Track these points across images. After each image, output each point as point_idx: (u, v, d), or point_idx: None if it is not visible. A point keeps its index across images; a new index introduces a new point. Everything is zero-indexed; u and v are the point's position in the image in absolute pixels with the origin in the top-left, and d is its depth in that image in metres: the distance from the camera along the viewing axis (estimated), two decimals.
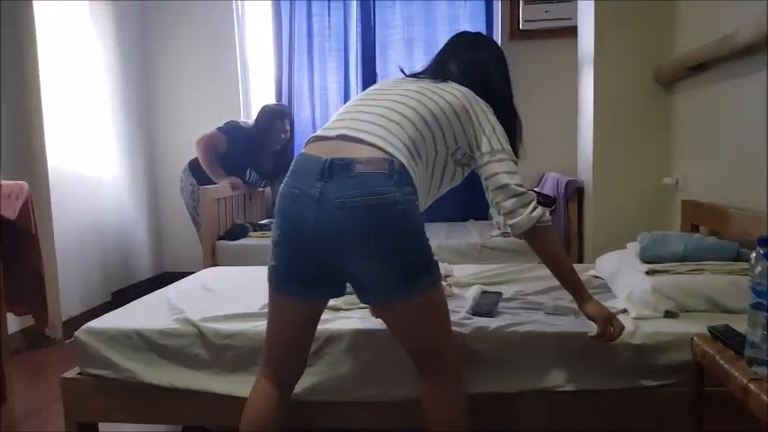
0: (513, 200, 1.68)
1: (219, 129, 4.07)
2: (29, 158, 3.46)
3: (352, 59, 4.63)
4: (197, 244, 4.29)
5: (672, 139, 3.07)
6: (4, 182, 2.68)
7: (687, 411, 1.61)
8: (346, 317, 1.96)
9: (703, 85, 2.73)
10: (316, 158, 1.49)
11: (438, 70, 1.84)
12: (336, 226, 1.43)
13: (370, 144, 1.51)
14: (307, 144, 1.61)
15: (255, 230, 4.07)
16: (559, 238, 3.58)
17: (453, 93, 1.72)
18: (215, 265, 3.68)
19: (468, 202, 4.58)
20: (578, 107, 3.56)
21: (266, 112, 4.16)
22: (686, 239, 2.12)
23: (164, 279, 4.74)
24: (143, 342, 1.90)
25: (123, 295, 4.24)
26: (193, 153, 4.14)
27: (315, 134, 1.63)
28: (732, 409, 1.54)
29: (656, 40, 3.07)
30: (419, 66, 4.14)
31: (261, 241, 3.87)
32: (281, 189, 1.56)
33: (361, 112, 1.63)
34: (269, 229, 4.00)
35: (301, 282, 1.55)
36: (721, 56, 2.38)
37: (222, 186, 3.93)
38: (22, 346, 3.36)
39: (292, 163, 1.58)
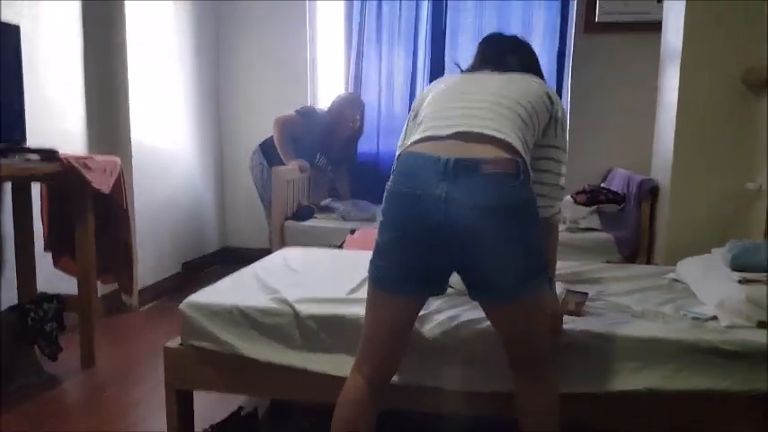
0: (558, 191, 1.79)
1: (297, 111, 4.20)
2: (116, 135, 3.63)
3: (420, 45, 4.63)
4: (259, 221, 4.42)
5: (756, 144, 3.02)
6: (99, 157, 2.80)
7: None
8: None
9: None
10: (434, 158, 1.50)
11: (507, 66, 1.82)
12: (467, 225, 1.46)
13: (492, 140, 1.52)
14: (414, 143, 1.60)
15: (321, 212, 4.17)
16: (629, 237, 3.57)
17: (535, 81, 1.76)
18: (284, 243, 3.79)
19: None
20: (658, 105, 3.52)
21: (340, 101, 4.27)
22: None
23: (228, 253, 4.90)
24: (243, 318, 1.98)
25: (192, 267, 4.41)
26: (260, 137, 4.26)
27: (424, 134, 1.61)
28: None
29: (747, 42, 3.01)
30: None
31: (327, 223, 3.98)
32: (391, 189, 1.57)
33: (468, 108, 1.63)
34: (333, 211, 4.11)
35: (416, 280, 1.58)
36: None
37: (291, 168, 4.02)
38: (99, 312, 3.51)
39: (400, 161, 1.60)
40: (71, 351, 2.83)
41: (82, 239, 2.77)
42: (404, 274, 1.57)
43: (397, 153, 1.77)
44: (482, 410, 1.91)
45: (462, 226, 1.46)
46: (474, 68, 1.87)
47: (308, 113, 4.22)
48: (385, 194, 1.59)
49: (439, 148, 1.53)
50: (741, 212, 3.05)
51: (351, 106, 4.26)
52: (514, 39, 1.94)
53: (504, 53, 1.86)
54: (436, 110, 1.69)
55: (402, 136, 1.85)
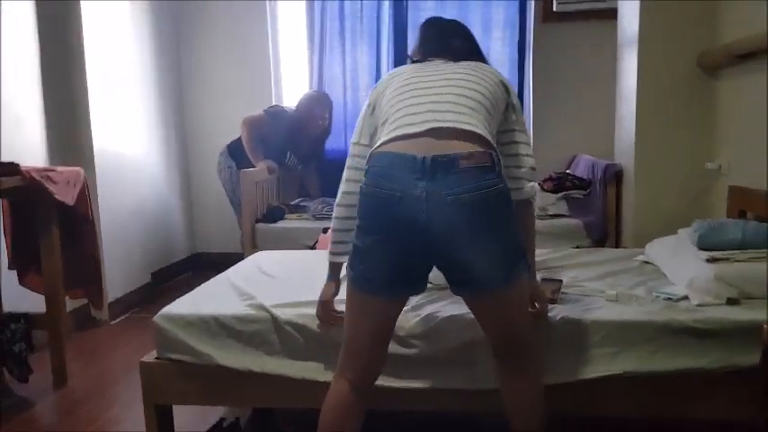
0: (532, 172, 1.78)
1: (265, 111, 4.17)
2: (78, 144, 3.53)
3: (383, 42, 4.62)
4: (229, 225, 4.38)
5: (715, 125, 3.09)
6: (62, 168, 2.73)
7: (749, 397, 1.66)
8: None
9: (751, 72, 2.74)
10: (409, 157, 1.50)
11: (456, 52, 1.82)
12: (449, 221, 1.47)
13: (465, 134, 1.53)
14: (386, 143, 1.59)
15: (291, 212, 4.13)
16: (596, 221, 3.62)
17: (489, 69, 1.77)
18: (256, 246, 3.75)
19: None
20: (618, 90, 3.58)
21: (307, 99, 4.24)
22: (743, 227, 2.15)
23: (199, 259, 4.83)
24: (220, 327, 1.96)
25: (162, 276, 4.34)
26: (226, 138, 4.21)
27: (395, 132, 1.59)
28: None
29: (701, 26, 3.08)
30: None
31: (298, 223, 3.94)
32: (367, 191, 1.55)
33: (435, 102, 1.63)
34: (304, 211, 4.08)
35: (399, 281, 1.59)
36: None
37: (260, 169, 3.98)
38: (69, 329, 3.43)
39: (373, 161, 1.58)
40: (42, 371, 2.77)
41: (47, 254, 2.70)
42: (387, 275, 1.57)
43: (353, 151, 1.79)
44: (468, 408, 1.92)
45: (444, 223, 1.47)
46: (424, 57, 1.85)
47: (276, 113, 4.18)
48: (360, 197, 1.58)
49: (413, 147, 1.53)
50: (703, 192, 3.13)
51: (318, 104, 4.24)
52: (455, 23, 1.95)
53: (448, 38, 1.86)
54: (402, 106, 1.67)
55: (357, 131, 1.84)
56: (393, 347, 1.79)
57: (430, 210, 1.46)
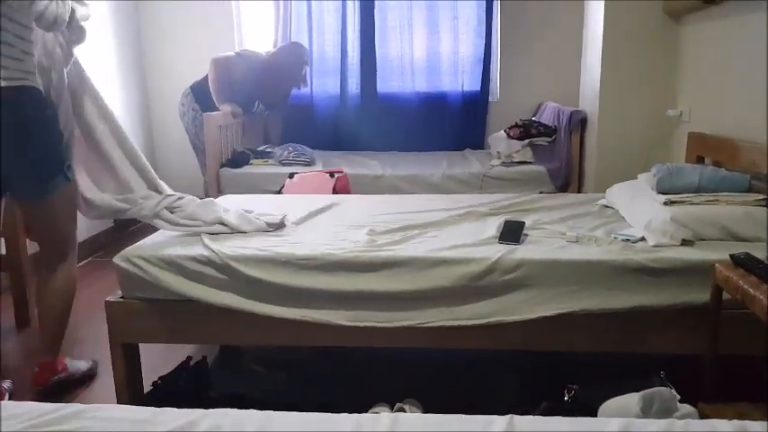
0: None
1: (237, 54, 4.03)
2: None
3: None
4: (192, 170, 4.30)
5: (678, 72, 3.14)
6: None
7: (701, 332, 1.75)
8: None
9: (713, 19, 2.78)
10: None
11: None
12: None
13: None
14: None
15: (257, 158, 4.09)
16: (560, 167, 3.68)
17: None
18: (220, 191, 3.72)
19: (465, 131, 4.63)
20: (584, 37, 3.59)
21: (288, 52, 4.14)
22: (700, 171, 2.23)
23: None
24: (178, 267, 1.97)
25: (125, 221, 4.26)
26: (186, 81, 4.08)
27: None
28: (743, 330, 1.71)
29: None
30: None
31: (264, 169, 3.91)
32: None
33: None
34: (270, 157, 4.04)
35: None
36: None
37: (224, 112, 3.90)
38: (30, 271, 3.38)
39: None
40: (5, 312, 2.74)
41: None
42: None
43: None
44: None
45: None
46: None
47: (248, 57, 4.04)
48: None
49: None
50: (664, 138, 3.19)
51: (298, 59, 4.13)
52: None
53: None
54: None
55: None
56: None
57: None
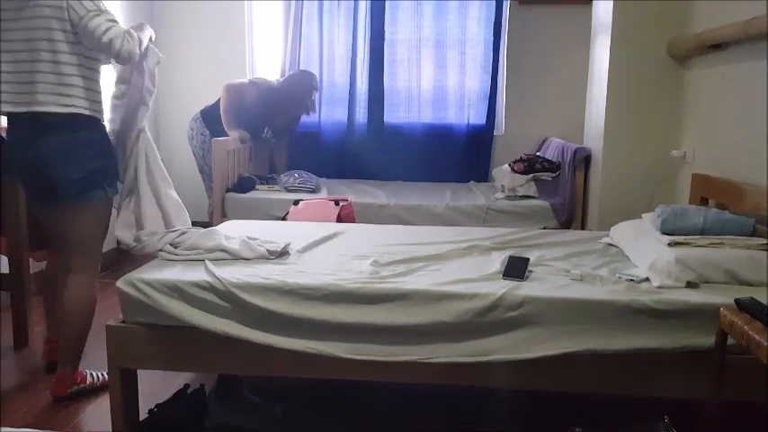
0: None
1: (250, 81, 4.10)
2: None
3: (361, 16, 4.59)
4: (198, 193, 4.32)
5: (682, 113, 3.17)
6: None
7: (705, 377, 1.73)
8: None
9: (717, 63, 2.81)
10: None
11: None
12: None
13: None
14: None
15: (262, 183, 4.11)
16: (562, 206, 3.68)
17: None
18: (225, 216, 3.73)
19: (469, 164, 4.66)
20: (590, 75, 3.63)
21: (295, 80, 4.20)
22: (704, 213, 2.23)
23: None
24: (181, 293, 1.96)
25: None
26: (197, 105, 4.13)
27: None
28: (748, 375, 1.70)
29: (673, 14, 3.14)
30: (427, 25, 4.18)
31: (269, 195, 3.93)
32: None
33: None
34: (275, 183, 4.06)
35: None
36: (745, 37, 2.45)
37: (232, 138, 3.93)
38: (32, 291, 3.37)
39: None
40: (4, 332, 2.73)
41: (11, 214, 2.65)
42: None
43: None
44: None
45: None
46: None
47: (260, 84, 4.11)
48: None
49: None
50: (668, 179, 3.20)
51: (307, 86, 4.18)
52: None
53: None
54: None
55: None
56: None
57: None
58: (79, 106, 2.21)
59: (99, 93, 2.33)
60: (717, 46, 2.75)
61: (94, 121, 2.30)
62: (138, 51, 2.26)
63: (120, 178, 2.43)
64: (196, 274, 2.02)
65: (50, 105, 2.16)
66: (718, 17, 2.72)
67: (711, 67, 2.88)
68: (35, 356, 2.68)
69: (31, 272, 3.15)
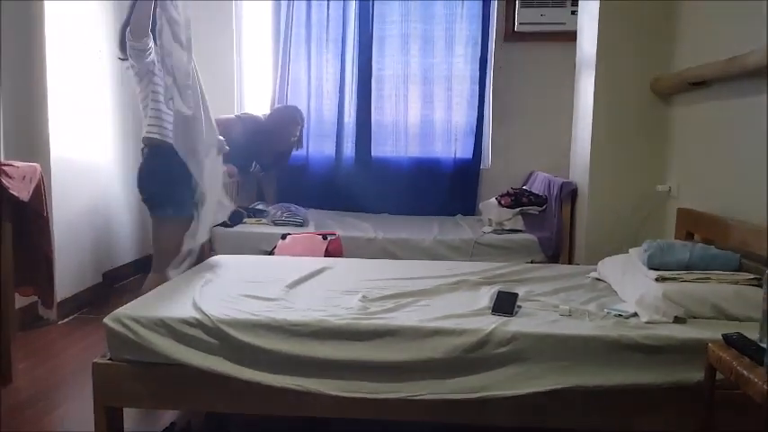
0: None
1: (237, 116, 4.15)
2: (34, 140, 3.45)
3: (348, 51, 4.66)
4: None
5: (666, 149, 3.22)
6: (19, 163, 2.65)
7: (694, 412, 1.74)
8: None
9: (702, 100, 2.87)
10: None
11: None
12: None
13: None
14: None
15: (250, 216, 4.10)
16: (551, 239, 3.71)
17: None
18: (212, 251, 3.71)
19: (456, 197, 4.69)
20: (575, 111, 3.69)
21: (280, 114, 4.26)
22: (690, 248, 2.26)
23: (150, 261, 4.71)
24: (169, 330, 1.94)
25: (113, 276, 4.24)
26: None
27: None
28: (735, 409, 1.71)
29: (656, 52, 3.21)
30: (414, 61, 4.32)
31: (257, 228, 3.91)
32: None
33: None
34: (264, 216, 4.06)
35: None
36: (727, 75, 2.51)
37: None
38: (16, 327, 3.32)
39: None
40: None
41: None
42: None
43: None
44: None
45: None
46: None
47: (247, 119, 4.16)
48: None
49: None
50: (653, 213, 3.24)
51: (291, 121, 4.24)
52: None
53: None
54: None
55: None
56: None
57: None
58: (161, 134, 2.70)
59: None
60: (700, 83, 2.81)
61: (167, 149, 2.65)
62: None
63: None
64: (184, 311, 2.01)
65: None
66: (701, 55, 2.79)
67: (695, 104, 2.95)
68: (19, 394, 2.63)
69: (17, 307, 3.14)
